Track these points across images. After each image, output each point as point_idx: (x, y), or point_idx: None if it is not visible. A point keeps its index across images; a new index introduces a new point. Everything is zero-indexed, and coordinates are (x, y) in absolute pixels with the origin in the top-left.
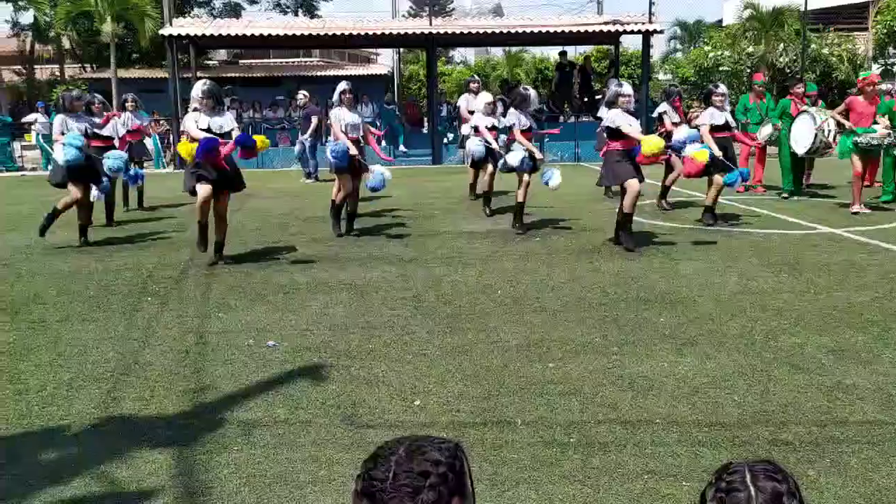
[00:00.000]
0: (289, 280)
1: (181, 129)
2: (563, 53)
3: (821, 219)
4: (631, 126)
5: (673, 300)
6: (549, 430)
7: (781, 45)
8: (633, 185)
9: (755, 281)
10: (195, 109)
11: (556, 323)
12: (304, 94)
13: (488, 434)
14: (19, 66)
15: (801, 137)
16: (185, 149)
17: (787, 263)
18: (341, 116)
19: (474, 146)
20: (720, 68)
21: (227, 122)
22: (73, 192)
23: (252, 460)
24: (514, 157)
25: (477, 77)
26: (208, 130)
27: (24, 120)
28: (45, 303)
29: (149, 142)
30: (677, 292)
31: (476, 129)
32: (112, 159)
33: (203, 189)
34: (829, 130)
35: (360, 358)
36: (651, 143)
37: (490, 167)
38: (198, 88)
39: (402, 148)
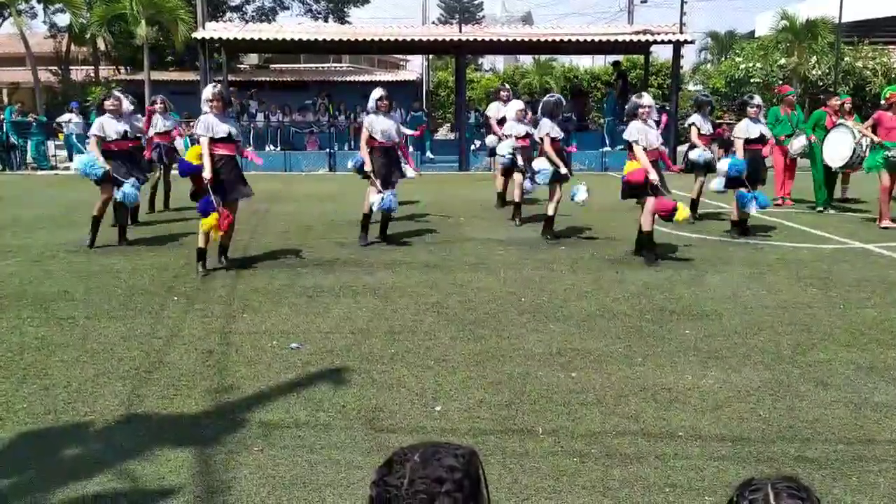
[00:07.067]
0: (313, 283)
1: (193, 131)
2: (616, 63)
3: (852, 233)
4: (638, 144)
5: (699, 312)
6: (570, 439)
7: (814, 57)
8: (648, 201)
9: (783, 295)
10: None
11: (579, 332)
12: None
13: (509, 442)
14: (55, 67)
15: (838, 151)
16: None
17: (816, 278)
18: (374, 123)
19: (504, 150)
20: (751, 80)
21: (233, 127)
22: (102, 193)
23: (272, 461)
24: (543, 176)
25: (507, 85)
26: (228, 136)
27: (57, 120)
28: (73, 300)
29: (179, 143)
30: (704, 305)
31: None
32: (129, 190)
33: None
34: (866, 144)
35: (382, 362)
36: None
37: (518, 177)
38: (208, 91)
39: (428, 154)
